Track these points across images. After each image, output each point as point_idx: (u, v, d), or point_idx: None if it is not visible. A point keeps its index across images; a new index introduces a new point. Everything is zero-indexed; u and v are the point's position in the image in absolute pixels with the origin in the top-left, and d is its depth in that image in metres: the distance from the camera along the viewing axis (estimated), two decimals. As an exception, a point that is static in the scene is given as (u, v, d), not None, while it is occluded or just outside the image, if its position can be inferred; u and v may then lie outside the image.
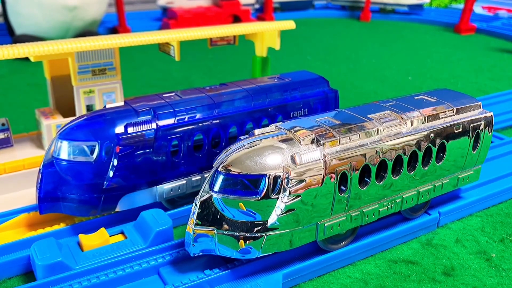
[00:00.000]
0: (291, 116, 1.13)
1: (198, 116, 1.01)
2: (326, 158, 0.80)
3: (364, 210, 0.89)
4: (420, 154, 0.92)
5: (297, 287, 0.87)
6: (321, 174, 0.80)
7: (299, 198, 0.79)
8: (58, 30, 2.22)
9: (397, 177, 0.91)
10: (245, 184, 0.78)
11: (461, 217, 1.08)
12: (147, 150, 0.95)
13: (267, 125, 1.05)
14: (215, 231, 0.80)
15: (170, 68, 2.25)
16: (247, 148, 0.81)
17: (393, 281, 0.88)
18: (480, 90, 2.02)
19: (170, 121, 0.97)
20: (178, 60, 1.25)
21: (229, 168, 0.79)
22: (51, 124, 1.17)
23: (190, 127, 1.00)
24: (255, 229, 0.80)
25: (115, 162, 0.93)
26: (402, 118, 0.91)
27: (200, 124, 1.01)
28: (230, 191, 0.79)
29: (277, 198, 0.79)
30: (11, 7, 2.22)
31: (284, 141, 0.82)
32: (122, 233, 0.96)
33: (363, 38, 3.00)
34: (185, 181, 1.03)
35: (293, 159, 0.79)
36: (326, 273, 0.90)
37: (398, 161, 0.90)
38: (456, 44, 2.86)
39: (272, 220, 0.79)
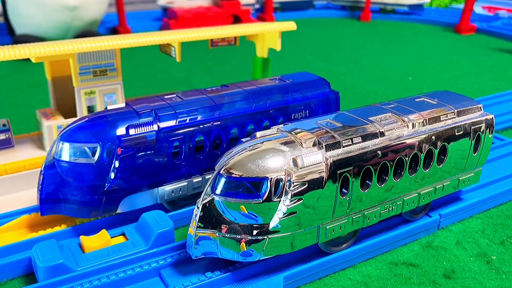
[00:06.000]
0: (292, 118, 1.13)
1: (199, 117, 1.01)
2: (327, 161, 0.80)
3: (365, 213, 0.90)
4: (422, 157, 0.92)
5: (298, 289, 0.87)
6: (323, 177, 0.80)
7: (301, 201, 0.79)
8: (58, 30, 2.22)
9: (398, 180, 0.91)
10: (247, 187, 0.78)
11: (462, 219, 1.08)
12: (149, 152, 0.96)
13: (268, 127, 1.05)
14: (217, 234, 0.80)
15: (171, 69, 2.25)
16: (249, 151, 0.81)
17: (393, 284, 0.88)
18: (480, 90, 2.02)
19: (172, 122, 0.98)
20: (179, 61, 1.25)
21: (231, 171, 0.79)
22: (52, 125, 1.17)
23: (192, 128, 1.00)
24: (257, 232, 0.80)
25: (117, 163, 0.93)
26: (403, 121, 0.91)
27: (201, 126, 1.01)
28: (232, 194, 0.79)
29: (279, 201, 0.79)
30: (11, 7, 2.22)
31: (285, 143, 0.82)
32: (123, 234, 0.96)
33: (364, 38, 3.00)
34: (186, 183, 1.03)
35: (295, 162, 0.79)
36: (327, 275, 0.90)
37: (399, 163, 0.90)
38: (456, 44, 2.86)
39: (273, 223, 0.79)
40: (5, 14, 2.31)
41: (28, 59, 1.09)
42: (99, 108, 1.21)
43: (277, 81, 1.17)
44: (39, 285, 0.81)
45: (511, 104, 1.78)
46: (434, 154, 0.94)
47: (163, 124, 0.96)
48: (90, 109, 1.20)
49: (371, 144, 0.86)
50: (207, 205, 0.81)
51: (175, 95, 1.06)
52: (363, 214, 0.89)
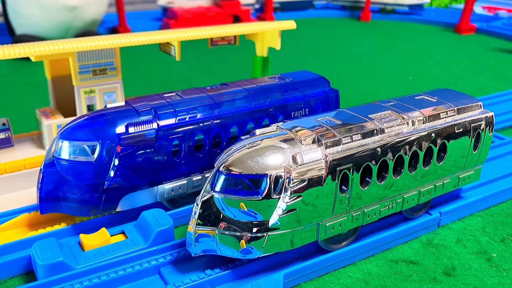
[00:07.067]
0: (292, 116, 1.13)
1: (199, 116, 1.01)
2: (327, 158, 0.80)
3: (365, 210, 0.89)
4: (421, 154, 0.92)
5: (298, 287, 0.87)
6: (322, 174, 0.80)
7: (301, 198, 0.79)
8: (58, 30, 2.22)
9: (398, 177, 0.91)
10: (247, 184, 0.78)
11: (462, 217, 1.08)
12: (148, 150, 0.95)
13: (268, 125, 1.05)
14: (217, 231, 0.80)
15: (171, 68, 2.25)
16: (248, 148, 0.81)
17: (394, 281, 0.88)
18: (480, 90, 2.02)
19: (171, 121, 0.97)
20: (178, 60, 1.25)
21: (231, 168, 0.79)
22: (52, 124, 1.17)
23: (191, 127, 1.00)
24: (256, 229, 0.80)
25: (116, 162, 0.93)
26: (403, 118, 0.91)
27: (201, 124, 1.01)
28: (231, 191, 0.79)
29: (279, 198, 0.79)
30: (11, 7, 2.22)
31: (285, 141, 0.82)
32: (123, 233, 0.96)
33: (363, 38, 3.00)
34: (186, 181, 1.03)
35: (294, 159, 0.79)
36: (327, 273, 0.90)
37: (399, 161, 0.90)
38: (456, 44, 2.86)
39: (273, 220, 0.79)
40: (5, 14, 2.31)
41: (28, 59, 1.09)
42: (98, 107, 1.21)
43: (277, 80, 1.17)
44: (38, 283, 0.81)
45: (511, 104, 1.78)
46: (434, 152, 0.94)
47: (163, 122, 0.96)
48: (90, 108, 1.20)
49: (370, 142, 0.86)
50: (207, 202, 0.80)
51: (174, 94, 1.06)
52: (362, 211, 0.89)
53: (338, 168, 0.82)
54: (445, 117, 0.96)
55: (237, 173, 0.79)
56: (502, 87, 2.06)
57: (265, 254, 0.82)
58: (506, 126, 1.59)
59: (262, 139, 0.83)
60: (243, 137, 0.87)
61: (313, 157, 0.79)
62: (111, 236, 0.94)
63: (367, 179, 0.87)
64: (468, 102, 1.01)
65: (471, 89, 2.02)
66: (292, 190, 0.78)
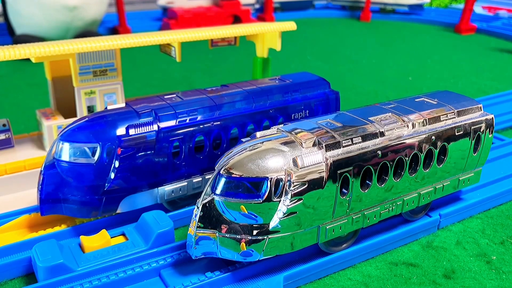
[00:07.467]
0: (292, 118, 1.13)
1: (199, 117, 1.01)
2: (327, 161, 0.80)
3: (365, 213, 0.90)
4: (422, 157, 0.92)
5: (298, 289, 0.87)
6: (323, 177, 0.80)
7: (301, 201, 0.79)
8: (58, 30, 2.22)
9: (398, 180, 0.91)
10: (247, 187, 0.78)
11: (462, 219, 1.08)
12: (149, 152, 0.96)
13: (268, 127, 1.05)
14: (217, 234, 0.80)
15: (171, 69, 2.25)
16: (249, 151, 0.81)
17: (393, 284, 0.88)
18: (480, 90, 2.02)
19: (172, 122, 0.98)
20: (179, 61, 1.25)
21: (231, 171, 0.79)
22: (52, 125, 1.17)
23: (192, 128, 1.00)
24: (257, 232, 0.80)
25: (117, 163, 0.93)
26: (404, 121, 0.91)
27: (201, 126, 1.01)
28: (232, 194, 0.79)
29: (279, 201, 0.79)
30: (11, 7, 2.22)
31: (285, 143, 0.82)
32: (123, 234, 0.96)
33: (363, 38, 3.00)
34: (186, 183, 1.03)
35: (295, 162, 0.79)
36: (327, 275, 0.90)
37: (399, 163, 0.90)
38: (456, 44, 2.86)
39: (273, 223, 0.79)
40: (5, 14, 2.31)
41: (28, 59, 1.09)
42: (99, 108, 1.21)
43: (277, 81, 1.17)
44: (39, 285, 0.81)
45: (511, 104, 1.78)
46: (434, 154, 0.94)
47: (163, 124, 0.97)
48: (90, 109, 1.20)
49: (371, 144, 0.86)
50: (207, 205, 0.81)
51: (175, 95, 1.06)
52: (363, 214, 0.89)
53: (338, 171, 0.82)
54: (446, 120, 0.96)
55: (237, 176, 0.79)
56: (502, 87, 2.06)
57: (265, 257, 0.82)
58: (506, 127, 1.59)
59: (263, 142, 0.83)
60: (243, 140, 0.87)
61: (314, 160, 0.80)
62: (111, 237, 0.95)
63: (367, 181, 0.88)
64: (469, 104, 1.01)
65: (471, 89, 2.02)
66: (292, 193, 0.78)
